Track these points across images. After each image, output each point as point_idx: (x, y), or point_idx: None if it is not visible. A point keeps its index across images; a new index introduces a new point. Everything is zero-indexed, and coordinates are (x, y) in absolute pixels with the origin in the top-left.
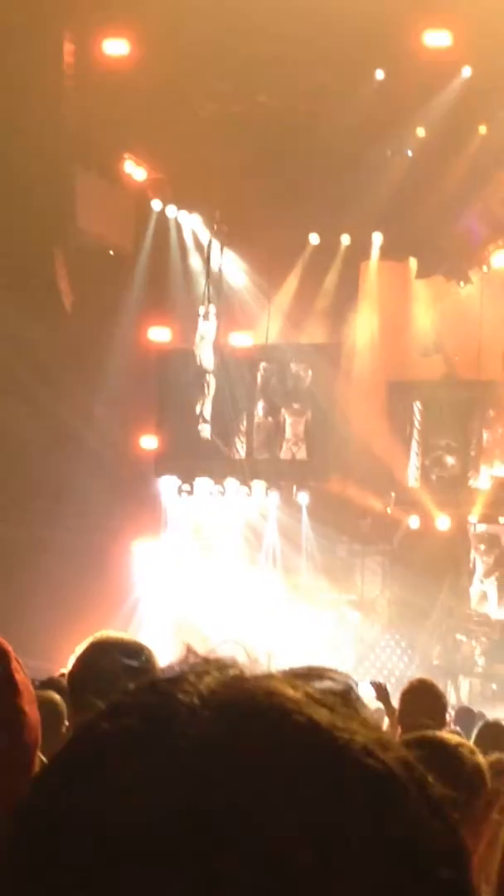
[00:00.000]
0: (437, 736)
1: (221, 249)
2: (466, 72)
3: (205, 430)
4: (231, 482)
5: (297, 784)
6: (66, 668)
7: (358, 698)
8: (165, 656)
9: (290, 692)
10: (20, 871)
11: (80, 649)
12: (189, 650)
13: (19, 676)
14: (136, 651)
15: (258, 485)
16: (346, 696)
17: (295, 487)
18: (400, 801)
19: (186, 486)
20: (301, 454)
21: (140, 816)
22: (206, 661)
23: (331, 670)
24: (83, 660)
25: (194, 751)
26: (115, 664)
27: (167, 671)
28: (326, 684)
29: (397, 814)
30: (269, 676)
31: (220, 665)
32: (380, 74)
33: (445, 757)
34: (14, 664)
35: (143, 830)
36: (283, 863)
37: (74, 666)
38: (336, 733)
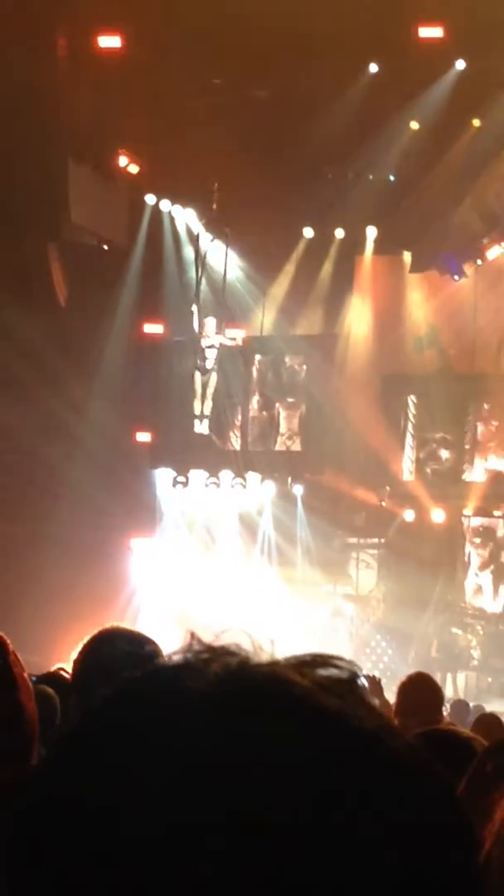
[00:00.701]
0: (449, 729)
1: (227, 247)
2: (460, 65)
3: (199, 424)
4: (226, 474)
5: (309, 769)
6: (63, 662)
7: (364, 686)
8: (167, 648)
9: (298, 679)
10: (23, 868)
11: (86, 640)
12: (193, 637)
13: (17, 670)
14: (141, 642)
15: (253, 477)
16: (352, 684)
17: (290, 479)
18: (409, 787)
19: (181, 479)
20: (295, 448)
21: (150, 805)
22: (211, 648)
23: (336, 657)
24: (89, 650)
25: (204, 737)
26: (121, 654)
27: (172, 659)
28: (332, 672)
29: (406, 799)
30: (275, 664)
31: (225, 653)
32: (373, 68)
33: (458, 750)
34: (12, 658)
35: (152, 819)
36: (296, 846)
37: (80, 656)
38: (346, 720)
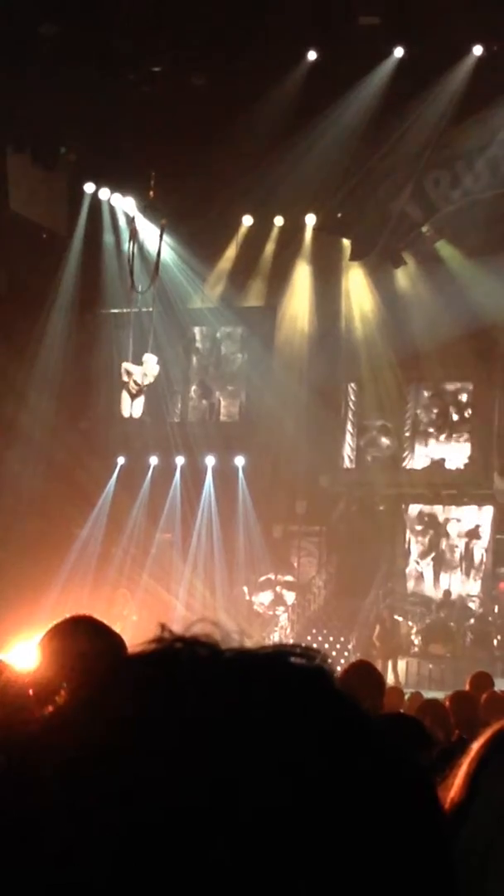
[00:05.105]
0: (398, 714)
1: (161, 233)
2: (399, 52)
3: (139, 410)
4: (166, 455)
5: (294, 752)
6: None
7: (333, 674)
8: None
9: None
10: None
11: (50, 629)
12: (164, 628)
13: None
14: (107, 632)
15: (194, 455)
16: (320, 673)
17: (231, 455)
18: (388, 770)
19: (122, 460)
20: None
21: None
22: (181, 639)
23: (305, 647)
24: (55, 639)
25: (203, 714)
26: (87, 643)
27: (149, 650)
28: (300, 661)
29: (386, 780)
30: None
31: (196, 643)
32: (312, 55)
33: (413, 734)
34: None
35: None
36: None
37: (46, 646)
38: (325, 705)
